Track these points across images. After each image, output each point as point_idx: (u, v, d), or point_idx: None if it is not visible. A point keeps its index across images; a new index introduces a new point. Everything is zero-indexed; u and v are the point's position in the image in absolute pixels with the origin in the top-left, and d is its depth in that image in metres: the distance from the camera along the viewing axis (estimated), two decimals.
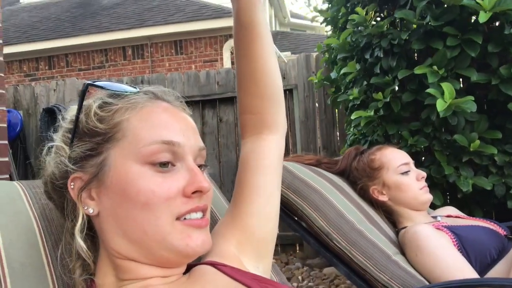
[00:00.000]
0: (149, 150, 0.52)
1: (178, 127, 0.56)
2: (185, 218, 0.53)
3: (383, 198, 1.27)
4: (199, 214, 0.55)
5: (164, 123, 0.55)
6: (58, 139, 0.58)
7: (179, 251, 0.53)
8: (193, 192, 0.53)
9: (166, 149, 0.53)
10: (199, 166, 0.57)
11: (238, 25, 0.66)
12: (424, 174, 1.26)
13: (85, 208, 0.54)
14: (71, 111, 0.58)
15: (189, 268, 0.60)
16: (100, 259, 0.57)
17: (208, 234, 0.56)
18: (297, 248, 3.52)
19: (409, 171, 1.25)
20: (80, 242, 0.53)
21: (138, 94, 0.57)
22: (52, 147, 0.58)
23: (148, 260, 0.54)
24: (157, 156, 0.53)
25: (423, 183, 1.25)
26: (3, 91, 2.20)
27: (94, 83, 0.56)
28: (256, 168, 0.68)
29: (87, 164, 0.54)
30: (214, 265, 0.59)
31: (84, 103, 0.56)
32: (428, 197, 1.24)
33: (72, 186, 0.54)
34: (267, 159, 0.68)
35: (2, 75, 2.21)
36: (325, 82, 2.61)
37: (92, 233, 0.57)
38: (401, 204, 1.25)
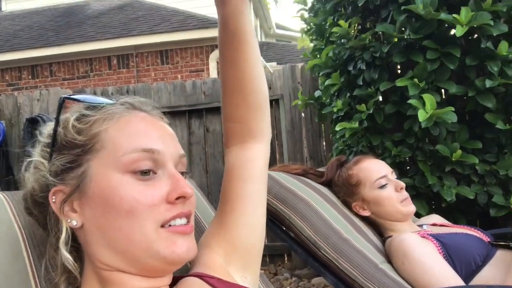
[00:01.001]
0: (130, 159, 0.53)
1: (157, 135, 0.56)
2: (170, 225, 0.54)
3: (365, 213, 1.28)
4: (183, 220, 0.55)
5: (142, 132, 0.55)
6: (36, 154, 0.58)
7: (165, 258, 0.52)
8: (177, 198, 0.54)
9: (146, 157, 0.53)
10: (181, 174, 0.57)
11: (224, 32, 0.65)
12: (403, 184, 1.25)
13: (68, 220, 0.54)
14: (49, 126, 0.58)
15: (176, 280, 0.60)
16: (85, 272, 0.57)
17: (193, 241, 0.56)
18: (286, 258, 3.51)
19: (386, 184, 1.24)
20: (66, 254, 0.53)
21: (114, 105, 0.58)
22: (31, 162, 0.58)
23: (134, 270, 0.54)
24: (138, 164, 0.53)
25: (404, 195, 1.24)
26: None
27: (71, 96, 0.56)
28: (242, 177, 0.67)
29: (68, 177, 0.54)
30: (201, 277, 0.59)
31: (62, 117, 0.56)
32: (409, 209, 1.23)
33: (53, 200, 0.54)
34: (253, 168, 0.68)
35: None
36: (309, 101, 2.65)
37: (77, 245, 0.57)
38: (383, 218, 1.27)
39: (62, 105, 0.55)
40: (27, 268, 0.63)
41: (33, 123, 3.81)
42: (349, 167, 1.31)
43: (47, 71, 6.09)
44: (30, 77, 6.11)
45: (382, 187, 1.24)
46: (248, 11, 0.64)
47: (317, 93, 2.51)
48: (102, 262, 0.54)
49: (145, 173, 0.53)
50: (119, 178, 0.52)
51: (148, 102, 0.61)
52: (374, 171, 1.26)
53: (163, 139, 0.56)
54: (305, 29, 2.79)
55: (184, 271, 0.60)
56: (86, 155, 0.54)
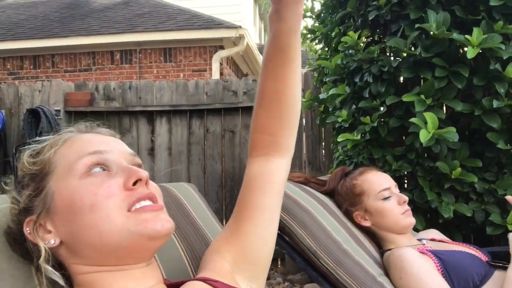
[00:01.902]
0: (81, 164, 0.57)
1: (99, 140, 0.61)
2: (135, 208, 0.56)
3: (366, 223, 1.29)
4: (147, 202, 0.57)
5: (86, 141, 0.61)
6: (8, 202, 0.62)
7: (139, 232, 0.54)
8: (134, 184, 0.56)
9: (95, 159, 0.58)
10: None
11: (273, 46, 0.65)
12: (406, 198, 1.27)
13: (46, 243, 0.56)
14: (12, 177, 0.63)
15: (180, 285, 0.60)
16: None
17: (166, 215, 0.58)
18: (279, 263, 3.52)
19: (390, 196, 1.26)
20: (47, 267, 0.55)
21: (59, 133, 0.63)
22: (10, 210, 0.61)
23: (119, 261, 0.56)
24: (89, 167, 0.57)
25: (406, 207, 1.26)
26: None
27: (21, 147, 0.63)
28: (262, 189, 0.68)
29: (34, 205, 0.58)
30: (205, 280, 0.60)
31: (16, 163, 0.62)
32: (410, 220, 1.25)
33: (28, 231, 0.57)
34: (274, 181, 0.68)
35: None
36: (313, 102, 2.65)
37: (61, 272, 0.58)
38: (383, 229, 1.27)
39: (14, 155, 0.62)
40: (31, 269, 0.63)
41: (33, 114, 3.80)
42: (353, 177, 1.32)
43: (49, 62, 6.07)
44: (31, 67, 6.09)
45: (385, 199, 1.25)
46: (299, 30, 0.65)
47: (322, 96, 2.51)
48: (89, 264, 0.56)
49: (97, 171, 0.57)
50: (76, 183, 0.56)
51: (92, 125, 0.67)
52: (378, 183, 1.28)
53: (108, 143, 0.61)
54: (308, 35, 2.80)
55: (184, 277, 0.60)
56: (44, 180, 0.58)
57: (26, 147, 0.62)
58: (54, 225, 0.57)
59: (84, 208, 0.54)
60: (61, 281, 0.57)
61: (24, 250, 0.60)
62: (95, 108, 3.90)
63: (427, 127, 1.55)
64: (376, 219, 1.27)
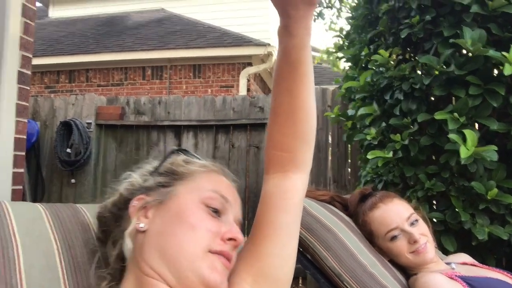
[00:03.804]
0: (208, 195, 0.65)
1: (232, 194, 0.69)
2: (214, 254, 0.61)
3: (385, 257, 1.24)
4: (224, 259, 0.62)
5: (224, 187, 0.69)
6: (135, 175, 0.71)
7: (203, 277, 0.58)
8: (229, 239, 0.62)
9: (219, 200, 0.66)
10: None
11: (284, 62, 0.65)
12: (417, 238, 1.16)
13: (137, 223, 0.63)
14: (153, 163, 0.74)
15: None
16: (127, 277, 0.63)
17: (226, 278, 0.62)
18: (300, 281, 3.46)
19: (398, 235, 1.18)
20: (129, 242, 0.62)
21: (212, 163, 0.73)
22: (126, 180, 0.71)
23: (173, 280, 0.59)
24: (212, 201, 0.65)
25: (416, 246, 1.16)
26: (27, 104, 2.26)
27: (180, 148, 0.75)
28: (279, 206, 0.67)
29: (156, 192, 0.66)
30: None
31: (169, 157, 0.72)
32: (423, 258, 1.16)
33: (134, 204, 0.65)
34: (291, 198, 0.67)
35: (28, 88, 2.27)
36: (341, 118, 2.62)
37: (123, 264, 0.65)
38: (401, 264, 1.22)
39: (172, 153, 0.73)
40: (59, 278, 0.65)
41: (66, 126, 3.94)
42: (364, 212, 1.26)
43: (83, 76, 6.31)
44: (67, 81, 6.35)
45: (393, 238, 1.19)
46: (310, 44, 0.65)
47: (350, 112, 2.47)
48: (148, 265, 0.60)
49: (214, 211, 0.64)
50: (195, 203, 0.64)
51: (230, 173, 0.75)
52: (385, 224, 1.20)
53: (235, 200, 0.70)
54: (335, 55, 2.79)
55: None
56: (180, 180, 0.67)
57: (185, 152, 0.74)
58: (153, 216, 0.63)
59: (186, 223, 0.61)
60: (128, 252, 0.63)
61: (112, 216, 0.67)
62: (125, 122, 4.00)
63: (466, 145, 1.48)
64: (391, 257, 1.22)
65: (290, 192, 0.67)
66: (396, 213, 1.21)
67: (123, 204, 0.67)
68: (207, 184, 0.67)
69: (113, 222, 0.67)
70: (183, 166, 0.69)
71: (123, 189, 0.69)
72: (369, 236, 1.24)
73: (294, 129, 0.66)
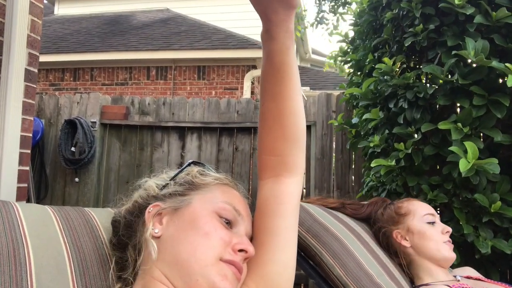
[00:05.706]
0: (222, 206, 0.66)
1: (245, 209, 0.70)
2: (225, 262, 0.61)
3: (406, 243, 1.24)
4: (235, 269, 0.62)
5: (237, 201, 0.69)
6: (151, 182, 0.73)
7: (213, 283, 0.58)
8: (240, 251, 0.62)
9: (232, 212, 0.66)
10: None
11: (268, 66, 0.65)
12: (450, 229, 1.23)
13: (152, 228, 0.64)
14: (168, 173, 0.76)
15: None
16: (135, 284, 0.63)
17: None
18: None
19: (435, 222, 1.24)
20: (152, 240, 0.63)
21: (225, 176, 0.74)
22: (141, 187, 0.73)
23: (181, 283, 0.59)
24: (225, 212, 0.66)
25: (448, 238, 1.22)
26: (33, 102, 2.27)
27: (199, 162, 0.77)
28: (275, 212, 0.68)
29: (171, 200, 0.67)
30: None
31: (186, 169, 0.75)
32: (451, 255, 1.20)
33: (150, 210, 0.66)
34: (287, 203, 0.68)
35: (35, 86, 2.28)
36: (345, 126, 2.62)
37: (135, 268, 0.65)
38: (422, 255, 1.22)
39: (187, 165, 0.75)
40: (69, 282, 0.65)
41: (71, 125, 3.95)
42: (399, 202, 1.33)
43: (88, 74, 6.33)
44: (71, 79, 6.37)
45: (430, 223, 1.24)
46: (294, 47, 0.65)
47: (354, 120, 2.48)
48: (158, 269, 0.61)
49: (227, 222, 0.65)
50: (209, 212, 0.65)
51: (243, 188, 0.77)
52: (425, 206, 1.28)
53: (247, 214, 0.70)
54: (341, 59, 2.80)
55: None
56: (196, 190, 0.69)
57: (200, 164, 0.76)
58: (168, 222, 0.65)
59: (200, 229, 0.62)
60: (154, 254, 0.63)
61: (127, 222, 0.69)
62: (130, 122, 4.01)
63: (466, 157, 1.49)
64: (417, 241, 1.23)
65: (285, 197, 0.68)
66: (431, 207, 1.30)
67: (138, 210, 0.69)
68: (221, 196, 0.68)
69: (129, 228, 0.69)
70: (198, 177, 0.71)
71: (138, 196, 0.71)
72: (400, 218, 1.27)
73: (282, 132, 0.67)
